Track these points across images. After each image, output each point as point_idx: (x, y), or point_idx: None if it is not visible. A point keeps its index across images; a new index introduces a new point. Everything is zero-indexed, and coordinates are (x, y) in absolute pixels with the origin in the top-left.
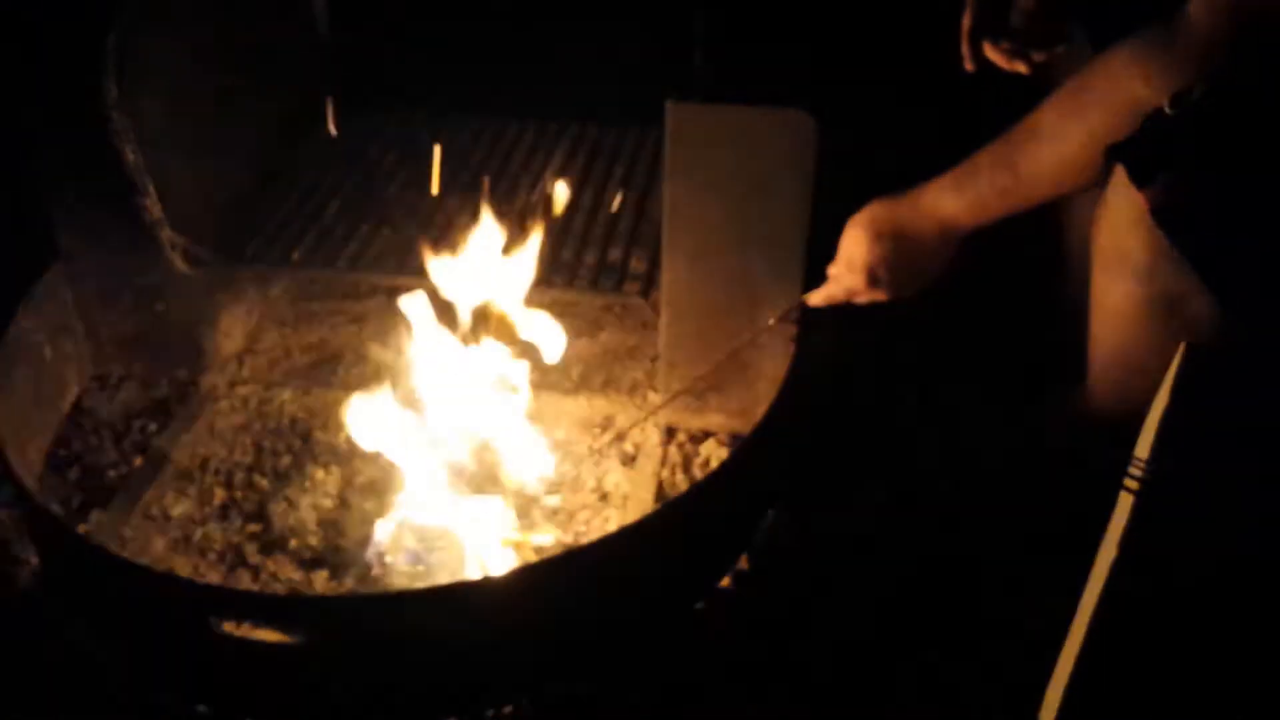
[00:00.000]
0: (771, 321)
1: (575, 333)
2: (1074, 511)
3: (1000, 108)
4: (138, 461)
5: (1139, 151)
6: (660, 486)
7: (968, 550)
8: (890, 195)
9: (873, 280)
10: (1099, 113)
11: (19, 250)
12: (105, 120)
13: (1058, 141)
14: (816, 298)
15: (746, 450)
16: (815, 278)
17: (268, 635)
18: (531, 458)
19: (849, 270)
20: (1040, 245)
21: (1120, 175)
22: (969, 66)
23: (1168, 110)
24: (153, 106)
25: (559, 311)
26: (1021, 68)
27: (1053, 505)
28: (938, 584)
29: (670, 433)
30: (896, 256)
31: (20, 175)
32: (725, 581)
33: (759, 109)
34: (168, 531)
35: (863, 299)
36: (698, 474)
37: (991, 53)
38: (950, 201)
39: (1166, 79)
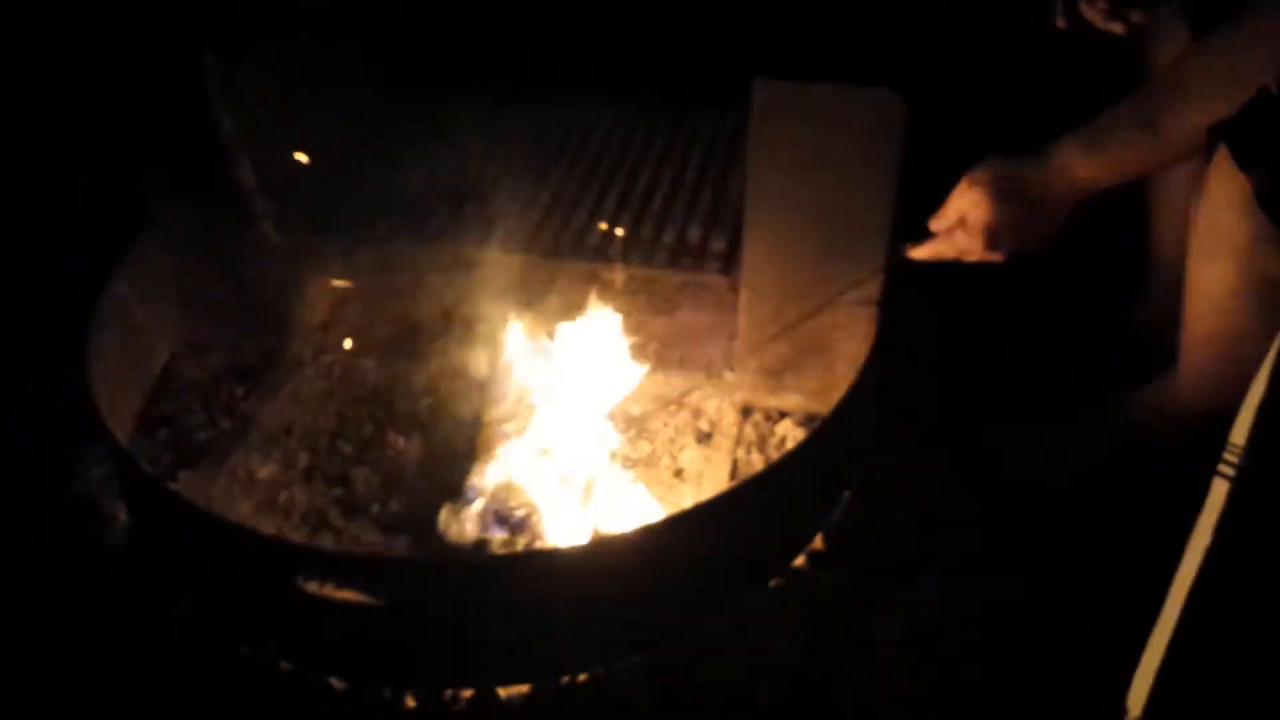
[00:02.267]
0: (863, 280)
1: (653, 311)
2: (1165, 498)
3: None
4: (225, 425)
5: (1245, 132)
6: (735, 465)
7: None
8: (1010, 154)
9: (991, 241)
10: (1252, 73)
11: (115, 216)
12: (202, 89)
13: (1205, 102)
14: (921, 252)
15: (826, 430)
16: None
17: (350, 595)
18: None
19: (964, 229)
20: (1128, 228)
21: (1224, 156)
22: (1061, 24)
23: (1276, 91)
24: (247, 77)
25: (636, 288)
26: (1117, 28)
27: (1140, 492)
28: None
29: (746, 412)
30: (1018, 218)
31: (117, 143)
32: (799, 560)
33: (848, 88)
34: (253, 493)
35: (973, 258)
36: (773, 453)
37: (1088, 10)
38: (1082, 161)
39: None
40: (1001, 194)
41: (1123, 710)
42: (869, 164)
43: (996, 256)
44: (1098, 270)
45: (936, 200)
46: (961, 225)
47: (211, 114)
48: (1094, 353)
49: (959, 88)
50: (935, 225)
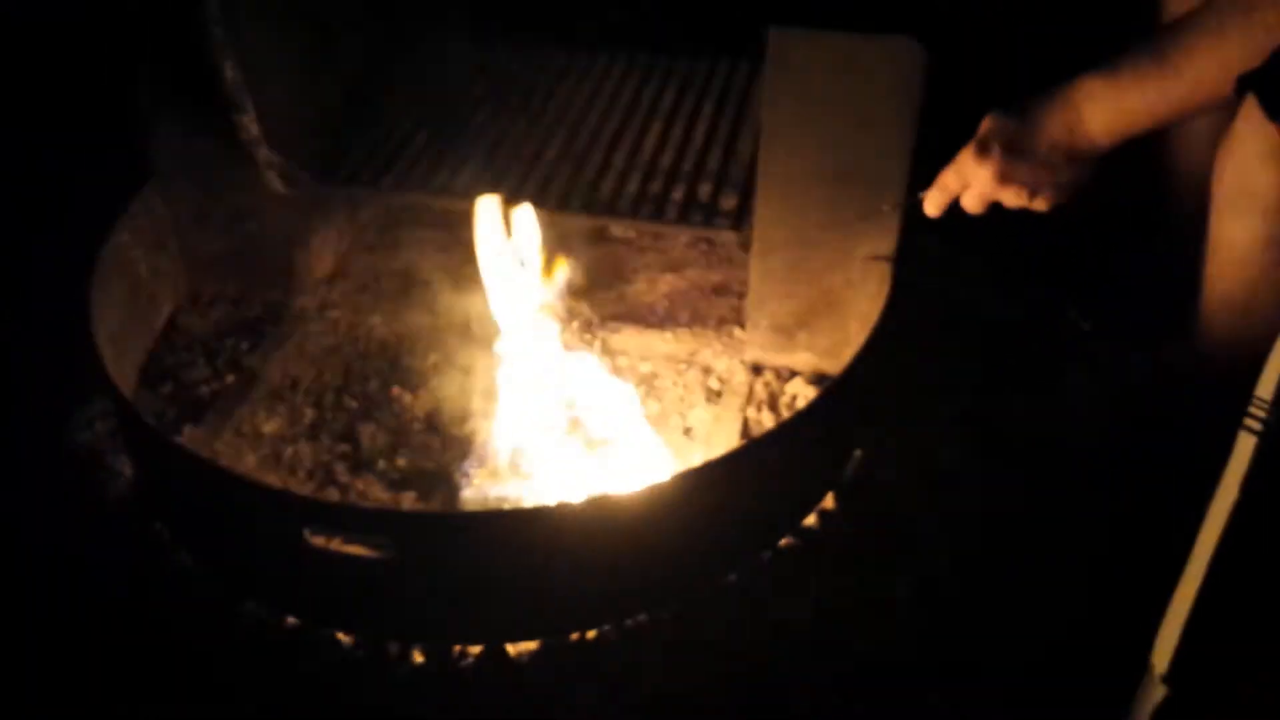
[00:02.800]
0: (887, 207)
1: (661, 268)
2: (1188, 453)
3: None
4: (230, 379)
5: (1275, 82)
6: (746, 423)
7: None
8: (1025, 100)
9: (1011, 189)
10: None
11: (117, 166)
12: (206, 35)
13: (1220, 36)
14: (932, 207)
15: (837, 389)
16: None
17: (358, 549)
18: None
19: (978, 184)
20: (1145, 182)
21: (1251, 107)
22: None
23: None
24: (251, 24)
25: (645, 246)
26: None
27: (1160, 449)
28: (1024, 526)
29: (757, 370)
30: (1030, 175)
31: (119, 91)
32: (811, 519)
33: (865, 36)
34: (259, 448)
35: (987, 199)
36: (784, 412)
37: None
38: (1097, 103)
39: None
40: (1010, 154)
41: (1147, 668)
42: (886, 115)
43: (1020, 201)
44: (1115, 225)
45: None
46: (965, 186)
47: (215, 62)
48: (1111, 309)
49: (981, 35)
50: (939, 188)
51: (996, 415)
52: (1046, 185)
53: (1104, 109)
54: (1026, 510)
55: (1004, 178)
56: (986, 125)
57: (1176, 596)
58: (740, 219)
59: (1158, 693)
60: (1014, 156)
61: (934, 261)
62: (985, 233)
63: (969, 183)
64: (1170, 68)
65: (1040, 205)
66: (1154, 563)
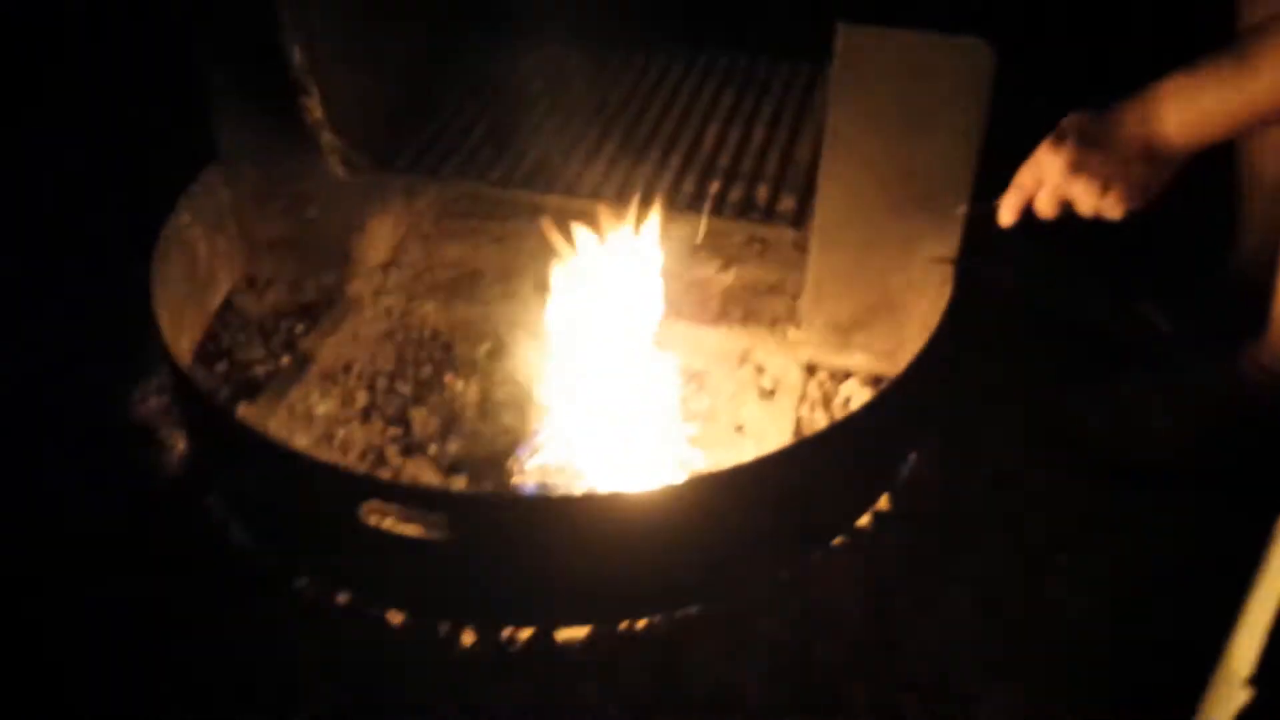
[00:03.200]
0: (961, 210)
1: (714, 267)
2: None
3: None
4: (284, 360)
5: None
6: (798, 423)
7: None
8: (1100, 106)
9: (1082, 179)
10: None
11: (182, 146)
12: (275, 19)
13: None
14: (1007, 212)
15: (894, 391)
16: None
17: (412, 530)
18: (671, 389)
19: (1044, 188)
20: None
21: None
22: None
23: None
24: (318, 10)
25: (701, 243)
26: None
27: (1227, 455)
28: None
29: (811, 370)
30: (1106, 170)
31: (185, 72)
32: (864, 520)
33: (936, 35)
34: (311, 429)
35: (1059, 196)
36: (837, 413)
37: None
38: (1174, 103)
39: None
40: (1084, 144)
41: (1218, 671)
42: (952, 116)
43: (1094, 205)
44: (1184, 231)
45: (1022, 158)
46: (1040, 184)
47: (283, 45)
48: (1180, 315)
49: (1054, 36)
50: (1015, 187)
51: (1061, 417)
52: (1118, 179)
53: (1181, 106)
54: (1090, 513)
55: (1076, 167)
56: (1066, 120)
57: (1258, 596)
58: (799, 220)
59: (1240, 696)
60: (1088, 147)
61: (1007, 258)
62: (1064, 230)
63: (1042, 177)
64: (1249, 68)
65: (1113, 206)
66: (1223, 566)
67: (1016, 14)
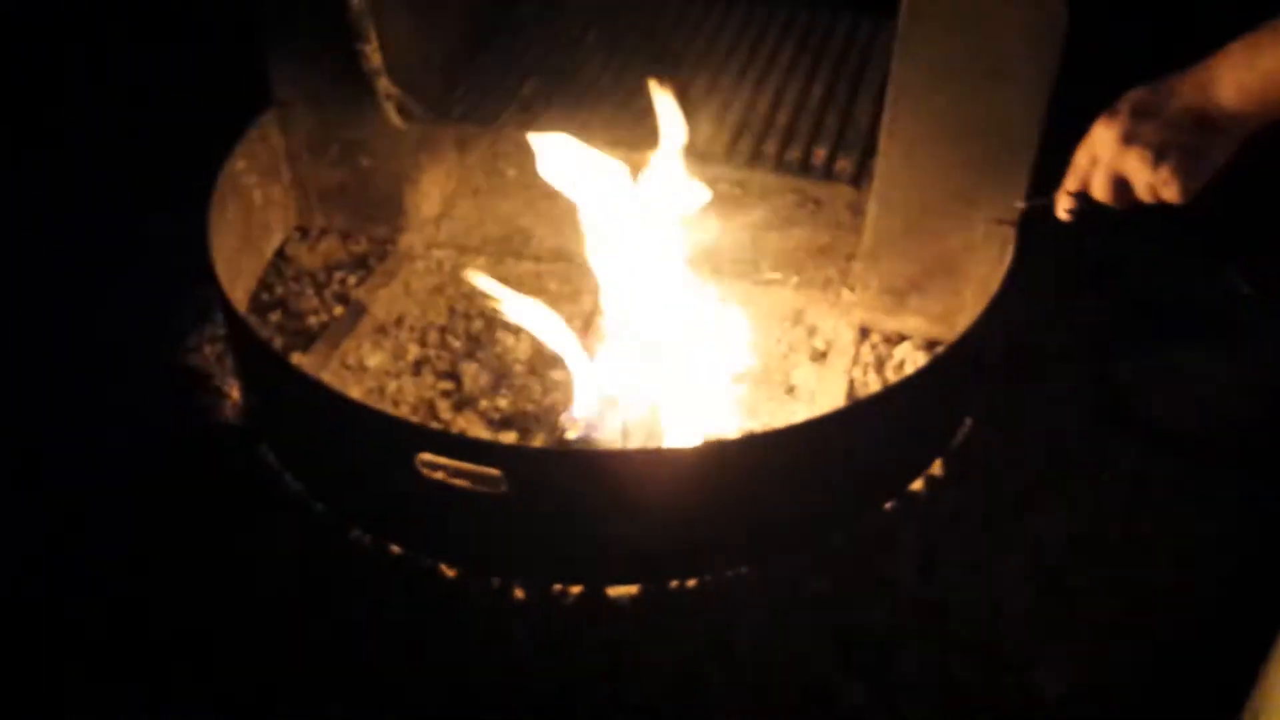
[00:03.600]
0: (1018, 204)
1: (768, 227)
2: None
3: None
4: (337, 311)
5: None
6: (851, 385)
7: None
8: (1158, 78)
9: (1135, 150)
10: None
11: (238, 92)
12: None
13: None
14: (1064, 202)
15: (951, 356)
16: (1046, 180)
17: (466, 483)
18: (726, 346)
19: (1104, 150)
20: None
21: None
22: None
23: None
24: None
25: (752, 203)
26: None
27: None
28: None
29: (864, 333)
30: (1161, 140)
31: (241, 18)
32: (917, 484)
33: None
34: (363, 381)
35: (1114, 172)
36: (890, 376)
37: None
38: (1234, 71)
39: None
40: (1138, 114)
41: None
42: (1021, 72)
43: (1152, 185)
44: (1246, 210)
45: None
46: (1095, 162)
47: None
48: (1263, 279)
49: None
50: (1072, 170)
51: (1118, 384)
52: (1173, 149)
53: (1239, 71)
54: (1144, 483)
55: (1129, 138)
56: (1123, 96)
57: None
58: (856, 180)
59: None
60: (1142, 117)
61: (1078, 219)
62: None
63: (1097, 153)
64: None
65: (1168, 179)
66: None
67: None
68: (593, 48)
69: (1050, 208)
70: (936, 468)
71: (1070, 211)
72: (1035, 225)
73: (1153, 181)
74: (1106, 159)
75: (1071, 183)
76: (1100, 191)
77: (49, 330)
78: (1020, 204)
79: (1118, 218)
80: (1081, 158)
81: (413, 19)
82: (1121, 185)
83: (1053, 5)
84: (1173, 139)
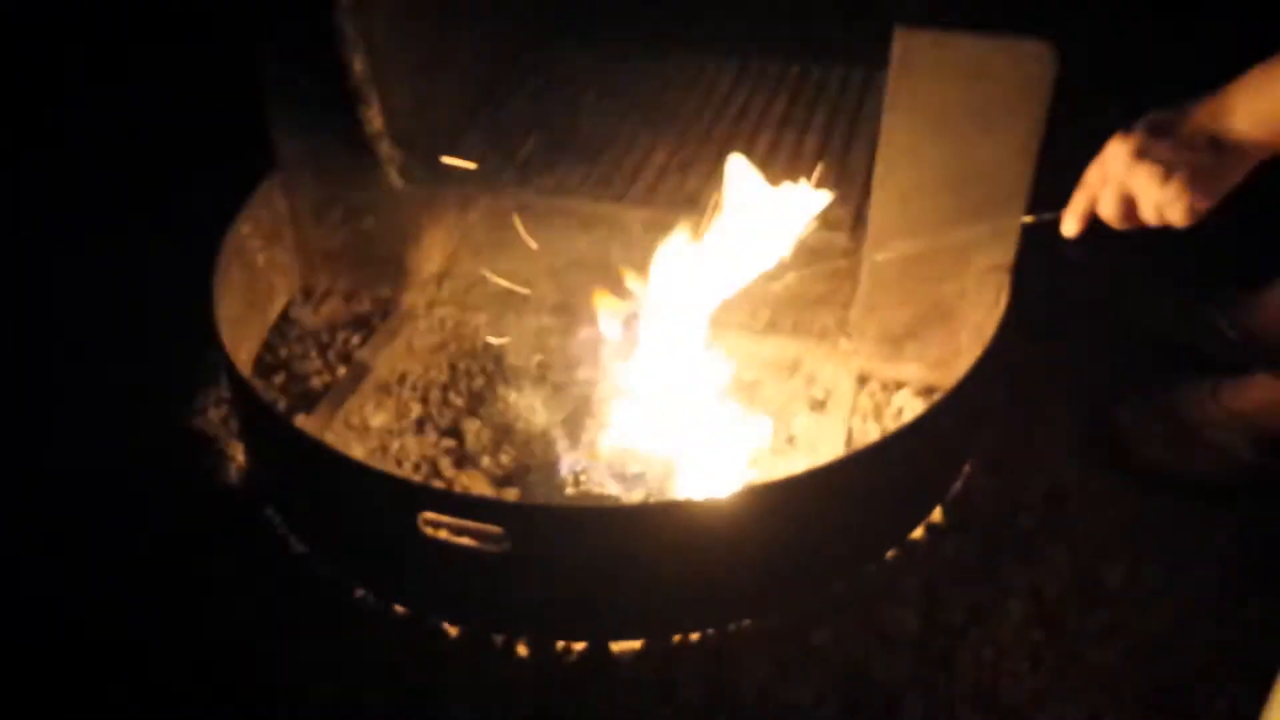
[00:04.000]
0: (1025, 219)
1: (764, 276)
2: None
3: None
4: (341, 371)
5: None
6: (850, 434)
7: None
8: (1173, 105)
9: (1145, 165)
10: None
11: (242, 158)
12: (335, 28)
13: None
14: (1071, 219)
15: (949, 402)
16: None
17: (469, 541)
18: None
19: (1114, 167)
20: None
21: None
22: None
23: None
24: (379, 21)
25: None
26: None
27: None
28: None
29: (862, 381)
30: (1169, 161)
31: (246, 82)
32: (918, 532)
33: (995, 39)
34: (366, 440)
35: (1123, 192)
36: (889, 424)
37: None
38: (1245, 99)
39: None
40: (1151, 133)
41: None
42: (1011, 121)
43: (1157, 201)
44: (1254, 236)
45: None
46: (1106, 181)
47: (344, 55)
48: (1246, 322)
49: (1117, 40)
50: (1081, 188)
51: (1115, 427)
52: (1181, 167)
53: (1251, 97)
54: (1144, 525)
55: (1140, 154)
56: (1141, 116)
57: None
58: (851, 228)
59: None
60: (1157, 135)
61: (1070, 264)
62: (1131, 235)
63: (1108, 170)
64: None
65: (1175, 198)
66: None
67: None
68: (591, 107)
69: (1056, 224)
70: (937, 515)
71: (1075, 232)
72: (1030, 269)
73: (1160, 200)
74: (1117, 175)
75: (1080, 199)
76: (1107, 209)
77: (51, 390)
78: (1027, 218)
79: (1120, 239)
80: (1093, 174)
81: (414, 82)
82: (1129, 205)
83: (1041, 58)
84: (1184, 158)
